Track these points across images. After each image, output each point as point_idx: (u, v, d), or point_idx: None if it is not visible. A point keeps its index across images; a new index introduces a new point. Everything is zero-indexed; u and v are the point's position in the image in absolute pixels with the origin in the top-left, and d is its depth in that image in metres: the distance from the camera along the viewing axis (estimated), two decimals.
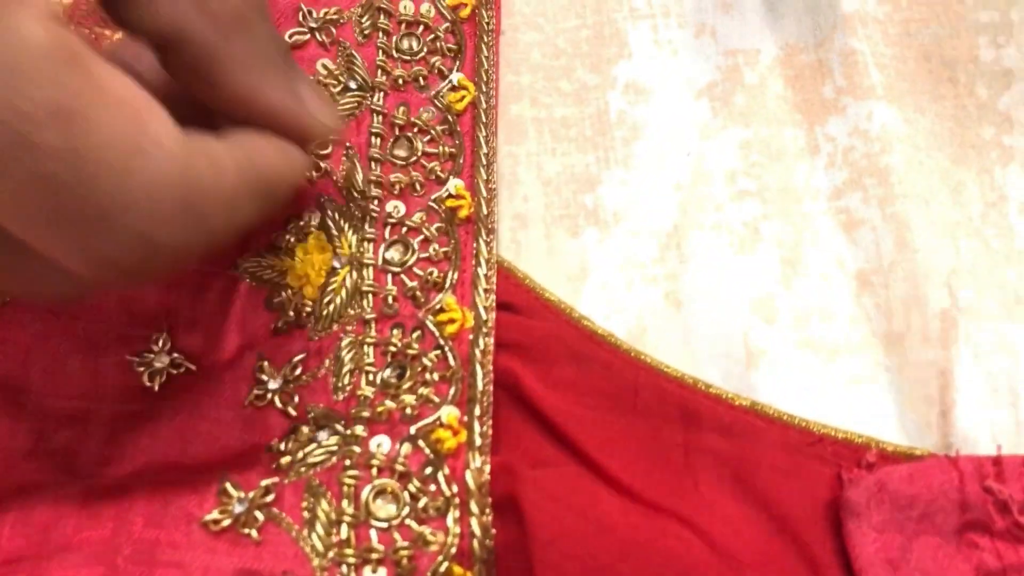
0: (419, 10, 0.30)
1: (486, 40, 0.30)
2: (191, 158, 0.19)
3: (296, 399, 0.25)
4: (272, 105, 0.22)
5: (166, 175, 0.18)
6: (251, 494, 0.23)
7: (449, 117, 0.29)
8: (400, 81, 0.29)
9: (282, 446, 0.24)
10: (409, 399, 0.24)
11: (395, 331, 0.26)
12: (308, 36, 0.29)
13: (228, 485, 0.23)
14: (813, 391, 0.25)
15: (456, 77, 0.29)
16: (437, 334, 0.25)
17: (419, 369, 0.25)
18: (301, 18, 0.29)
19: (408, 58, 0.30)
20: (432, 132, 0.29)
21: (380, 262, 0.27)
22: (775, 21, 0.30)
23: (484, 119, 0.29)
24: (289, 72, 0.22)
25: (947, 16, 0.30)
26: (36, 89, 0.16)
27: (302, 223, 0.27)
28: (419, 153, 0.28)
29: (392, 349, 0.25)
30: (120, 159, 0.17)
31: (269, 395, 0.25)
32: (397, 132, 0.29)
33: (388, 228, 0.27)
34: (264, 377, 0.25)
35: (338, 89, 0.29)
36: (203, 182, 0.19)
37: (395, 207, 0.27)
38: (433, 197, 0.28)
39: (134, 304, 0.26)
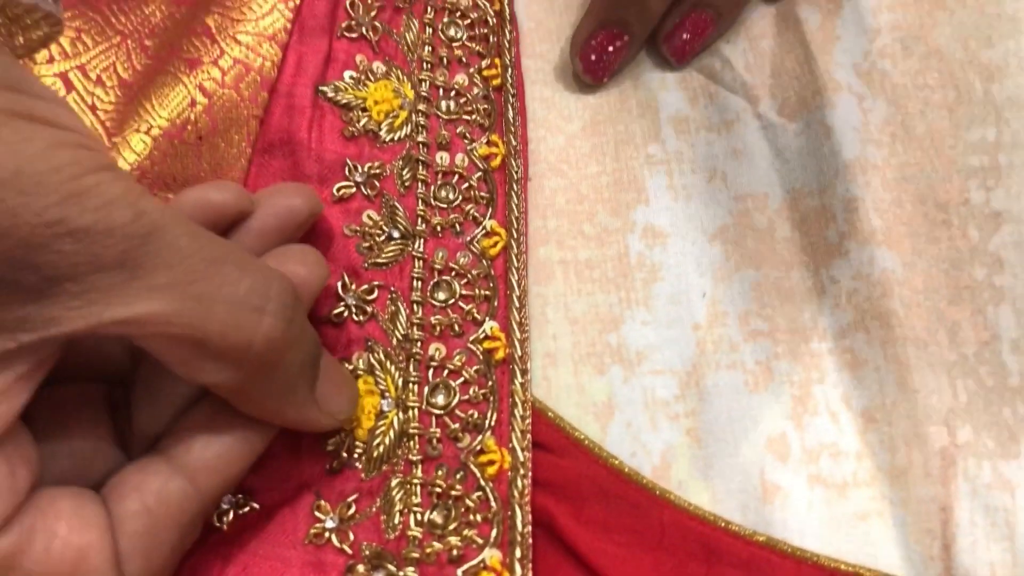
0: (454, 161, 0.33)
1: (515, 188, 0.33)
2: None
3: (352, 537, 0.27)
4: (286, 421, 0.25)
5: None
6: None
7: (484, 261, 0.32)
8: (439, 228, 0.32)
9: None
10: (455, 540, 0.27)
11: (439, 472, 0.28)
12: (354, 190, 0.32)
13: None
14: (825, 525, 0.28)
15: (489, 224, 0.32)
16: (478, 475, 0.28)
17: (462, 510, 0.27)
18: (347, 172, 0.32)
19: (445, 206, 0.32)
20: (469, 276, 0.31)
21: (424, 404, 0.29)
22: (782, 166, 0.33)
23: (516, 263, 0.32)
24: (310, 384, 0.25)
25: (940, 160, 0.32)
26: None
27: (351, 366, 0.30)
28: (457, 295, 0.31)
29: (437, 490, 0.28)
30: None
31: (327, 533, 0.27)
32: (437, 276, 0.31)
33: (431, 370, 0.30)
34: (321, 515, 0.28)
35: (382, 238, 0.32)
36: None
37: (437, 349, 0.30)
38: (471, 339, 0.30)
39: None
